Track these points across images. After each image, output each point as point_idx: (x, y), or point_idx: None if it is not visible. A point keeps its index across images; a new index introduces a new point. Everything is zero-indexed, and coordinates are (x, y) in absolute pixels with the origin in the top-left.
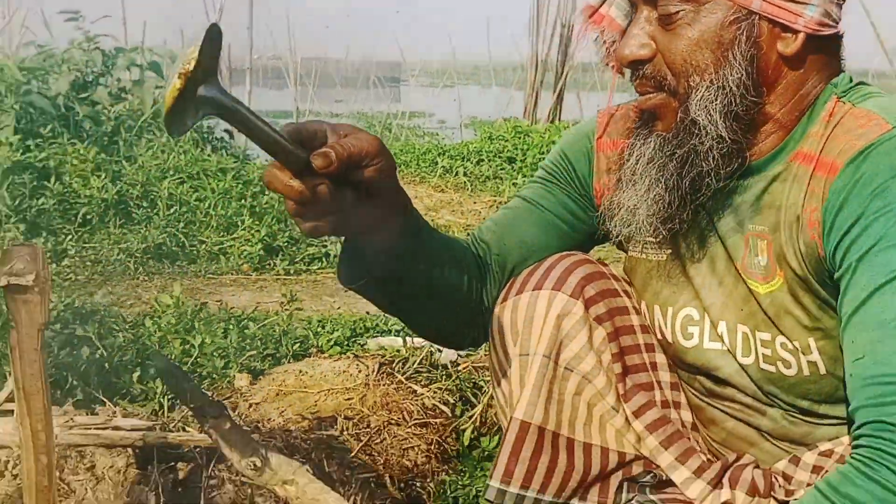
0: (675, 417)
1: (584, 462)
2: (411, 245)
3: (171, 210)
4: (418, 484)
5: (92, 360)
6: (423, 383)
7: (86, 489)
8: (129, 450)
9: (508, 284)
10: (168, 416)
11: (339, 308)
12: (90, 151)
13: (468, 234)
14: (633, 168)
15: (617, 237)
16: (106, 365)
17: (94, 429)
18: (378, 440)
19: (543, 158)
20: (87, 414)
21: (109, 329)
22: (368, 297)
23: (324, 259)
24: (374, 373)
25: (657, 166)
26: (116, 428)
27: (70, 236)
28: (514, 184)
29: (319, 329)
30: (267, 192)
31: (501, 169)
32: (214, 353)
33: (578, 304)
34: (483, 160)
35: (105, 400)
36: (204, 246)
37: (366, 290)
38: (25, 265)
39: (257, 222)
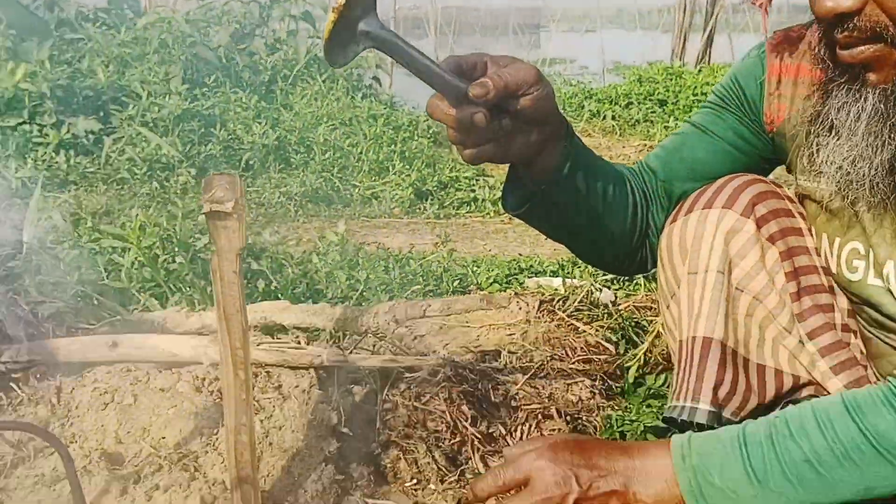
0: (853, 343)
1: (759, 384)
2: (574, 170)
3: (326, 155)
4: (584, 418)
5: (267, 291)
6: (584, 321)
7: (273, 407)
8: (312, 371)
9: (678, 206)
10: (343, 342)
11: (490, 251)
12: (251, 100)
13: (634, 163)
14: (844, 122)
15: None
16: (279, 296)
17: (280, 350)
18: (542, 374)
19: (697, 100)
20: (272, 338)
21: (280, 265)
22: (532, 224)
23: (472, 203)
24: (535, 310)
25: (882, 121)
26: (299, 347)
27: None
28: (665, 127)
29: (476, 268)
30: (417, 138)
31: (652, 112)
32: (379, 288)
33: (749, 223)
34: (632, 103)
35: (282, 327)
36: (357, 190)
37: (530, 216)
38: (225, 193)
39: (407, 167)
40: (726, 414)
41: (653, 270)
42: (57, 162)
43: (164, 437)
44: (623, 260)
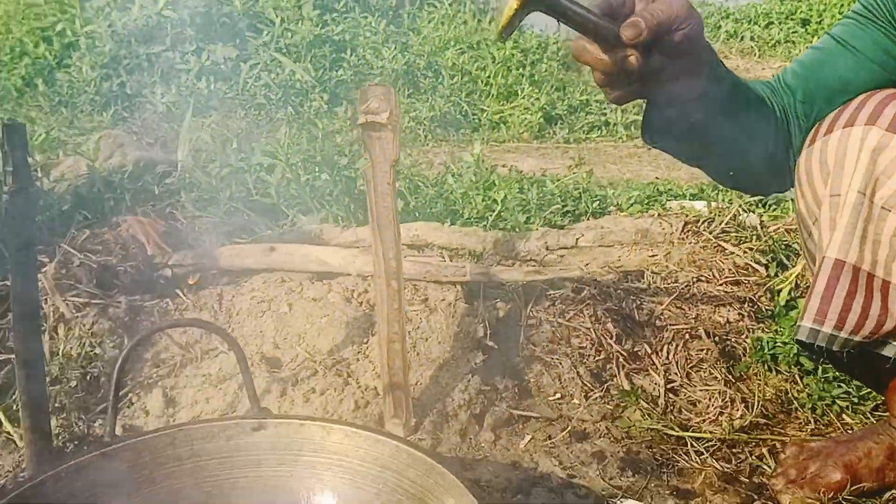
0: None
1: None
2: (716, 96)
3: (454, 79)
4: (733, 339)
5: (406, 210)
6: (732, 243)
7: (420, 319)
8: (458, 286)
9: (815, 127)
10: (487, 258)
11: (624, 175)
12: (380, 24)
13: (772, 77)
14: None
15: None
16: (416, 214)
17: (426, 264)
18: (687, 295)
19: (843, 19)
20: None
21: (416, 186)
22: (672, 152)
23: (604, 127)
24: (679, 231)
25: None
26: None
27: None
28: (807, 48)
29: (613, 190)
30: (545, 61)
31: (794, 32)
32: (516, 208)
33: None
34: (773, 23)
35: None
36: (485, 114)
37: (670, 145)
38: (380, 104)
39: (536, 90)
40: (858, 338)
41: (790, 190)
42: (199, 88)
43: (317, 345)
44: (762, 181)
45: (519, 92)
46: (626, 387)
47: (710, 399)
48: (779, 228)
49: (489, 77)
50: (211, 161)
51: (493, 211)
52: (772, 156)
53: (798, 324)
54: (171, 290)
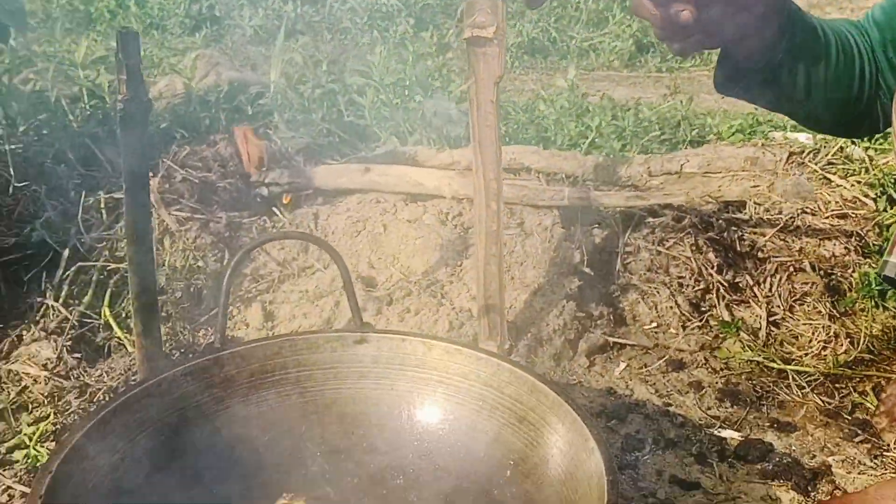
0: None
1: None
2: (792, 42)
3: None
4: (838, 274)
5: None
6: (838, 175)
7: (516, 243)
8: (555, 211)
9: None
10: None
11: (720, 105)
12: None
13: (862, 15)
14: None
15: None
16: (507, 140)
17: (524, 187)
18: (791, 227)
19: None
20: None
21: (506, 111)
22: (750, 100)
23: (698, 57)
24: (783, 162)
25: None
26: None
27: (451, 30)
28: None
29: (712, 119)
30: None
31: None
32: (611, 135)
33: None
34: None
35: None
36: (574, 41)
37: (746, 93)
38: (487, 17)
39: (628, 17)
40: None
41: (887, 131)
42: (286, 11)
43: (412, 265)
44: (851, 124)
45: (610, 19)
46: (727, 318)
47: (813, 333)
48: (888, 162)
49: (579, 2)
50: (303, 82)
51: (587, 138)
52: (858, 99)
53: (884, 259)
54: (268, 208)
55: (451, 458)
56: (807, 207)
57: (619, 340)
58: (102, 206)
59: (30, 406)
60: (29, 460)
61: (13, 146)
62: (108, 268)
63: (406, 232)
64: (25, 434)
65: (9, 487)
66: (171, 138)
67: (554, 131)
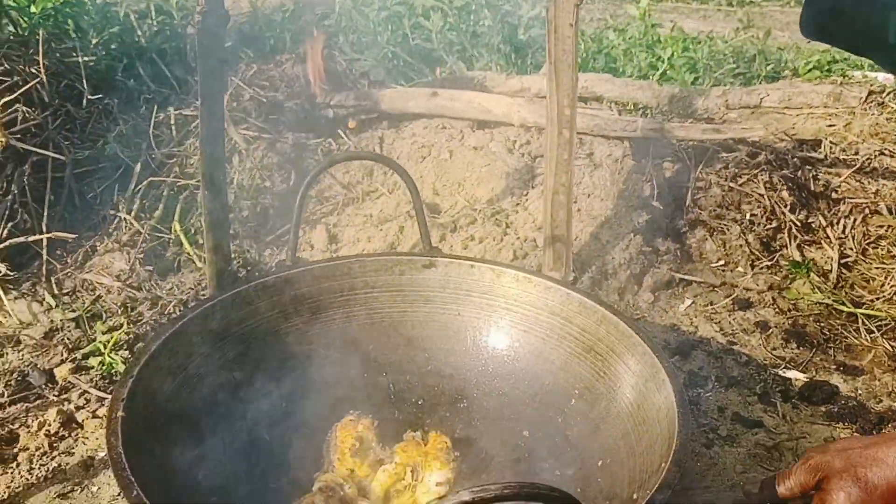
0: None
1: None
2: None
3: None
4: None
5: None
6: None
7: (584, 174)
8: (626, 142)
9: None
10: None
11: (793, 41)
12: None
13: None
14: None
15: None
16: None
17: (595, 116)
18: (868, 168)
19: None
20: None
21: None
22: (835, 44)
23: None
24: (863, 101)
25: None
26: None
27: None
28: None
29: (788, 55)
30: None
31: None
32: (683, 67)
33: None
34: None
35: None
36: None
37: (830, 39)
38: None
39: None
40: None
41: None
42: None
43: (477, 193)
44: None
45: None
46: (797, 258)
47: (885, 277)
48: None
49: None
50: (368, 4)
51: (657, 69)
52: None
53: None
54: (333, 130)
55: (516, 384)
56: (885, 149)
57: (686, 277)
58: (172, 122)
59: (104, 315)
60: (104, 367)
61: (86, 58)
62: (178, 184)
63: (472, 159)
64: (100, 342)
65: (85, 391)
66: (238, 58)
67: (623, 62)
